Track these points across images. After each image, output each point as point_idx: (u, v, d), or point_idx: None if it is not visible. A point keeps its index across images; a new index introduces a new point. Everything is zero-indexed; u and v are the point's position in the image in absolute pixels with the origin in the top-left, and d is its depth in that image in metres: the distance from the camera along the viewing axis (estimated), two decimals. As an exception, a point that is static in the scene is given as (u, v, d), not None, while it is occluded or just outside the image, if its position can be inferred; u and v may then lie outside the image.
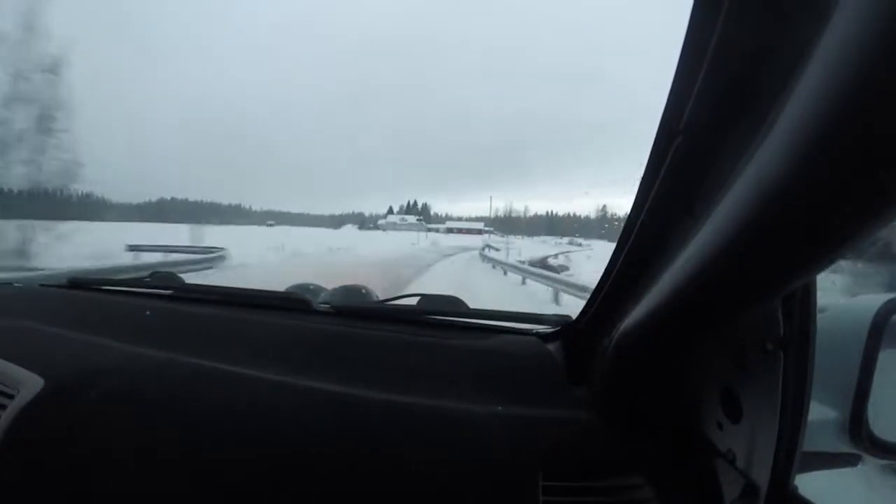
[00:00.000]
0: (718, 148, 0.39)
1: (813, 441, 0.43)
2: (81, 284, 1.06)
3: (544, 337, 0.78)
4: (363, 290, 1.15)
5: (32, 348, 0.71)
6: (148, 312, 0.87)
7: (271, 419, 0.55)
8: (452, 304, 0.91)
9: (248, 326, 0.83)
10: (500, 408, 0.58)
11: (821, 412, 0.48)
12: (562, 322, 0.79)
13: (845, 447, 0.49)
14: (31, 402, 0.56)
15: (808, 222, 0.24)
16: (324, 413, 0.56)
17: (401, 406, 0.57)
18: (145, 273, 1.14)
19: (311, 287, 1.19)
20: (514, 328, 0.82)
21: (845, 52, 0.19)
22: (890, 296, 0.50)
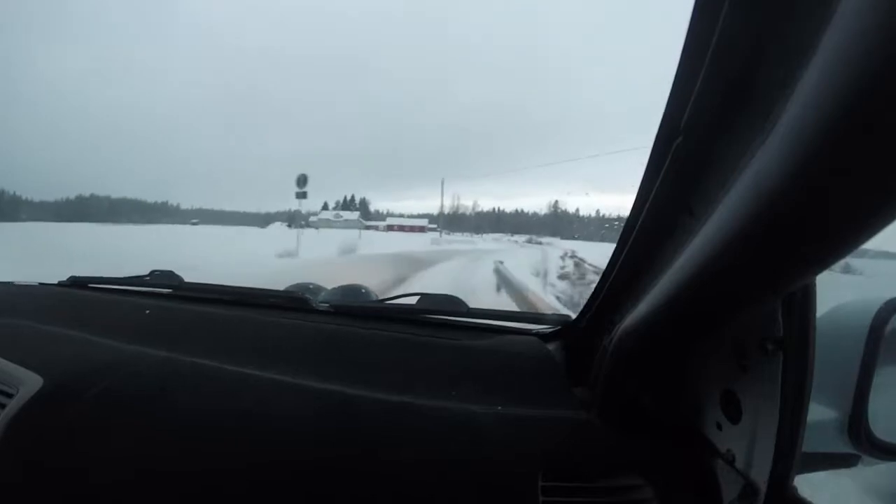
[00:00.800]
0: (718, 148, 0.39)
1: (813, 441, 0.43)
2: (81, 283, 1.06)
3: (544, 337, 0.78)
4: (363, 290, 1.15)
5: (32, 347, 0.71)
6: (147, 311, 0.87)
7: (271, 418, 0.55)
8: (452, 304, 0.91)
9: (247, 325, 0.83)
10: (500, 408, 0.58)
11: (821, 412, 0.48)
12: (562, 322, 0.79)
13: (845, 447, 0.49)
14: (30, 401, 0.56)
15: (809, 222, 0.24)
16: (323, 412, 0.56)
17: (400, 406, 0.57)
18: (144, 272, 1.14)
19: (311, 286, 1.19)
20: (514, 328, 0.82)
21: (845, 52, 0.19)
22: (890, 296, 0.50)
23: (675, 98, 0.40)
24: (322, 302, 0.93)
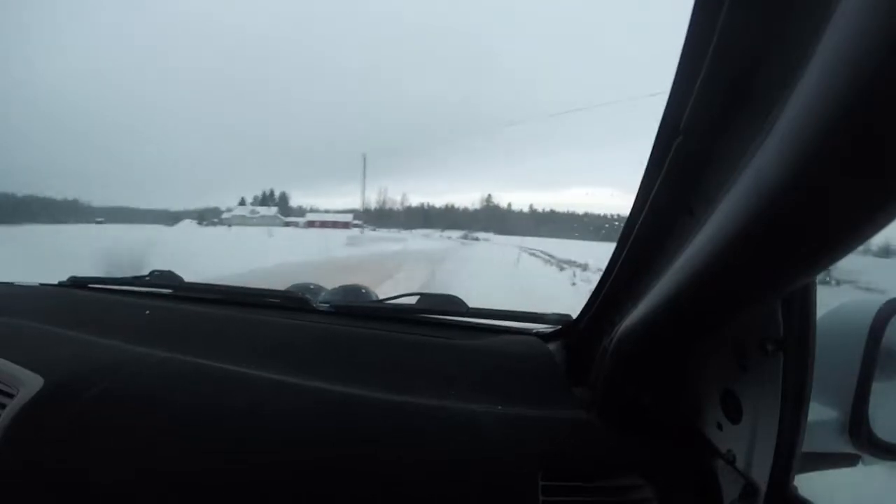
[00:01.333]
0: (718, 148, 0.39)
1: (813, 441, 0.43)
2: (81, 284, 1.06)
3: (544, 337, 0.78)
4: (363, 290, 1.15)
5: (32, 347, 0.71)
6: (148, 311, 0.87)
7: (271, 418, 0.55)
8: (452, 304, 0.91)
9: (247, 325, 0.83)
10: (500, 408, 0.58)
11: (821, 412, 0.48)
12: (562, 322, 0.79)
13: (845, 447, 0.49)
14: (30, 402, 0.56)
15: (809, 222, 0.24)
16: (323, 412, 0.56)
17: (400, 405, 0.57)
18: (145, 272, 1.15)
19: (312, 286, 1.19)
20: (514, 328, 0.82)
21: (845, 52, 0.19)
22: (890, 296, 0.50)
23: (675, 98, 0.40)
24: (322, 302, 0.93)
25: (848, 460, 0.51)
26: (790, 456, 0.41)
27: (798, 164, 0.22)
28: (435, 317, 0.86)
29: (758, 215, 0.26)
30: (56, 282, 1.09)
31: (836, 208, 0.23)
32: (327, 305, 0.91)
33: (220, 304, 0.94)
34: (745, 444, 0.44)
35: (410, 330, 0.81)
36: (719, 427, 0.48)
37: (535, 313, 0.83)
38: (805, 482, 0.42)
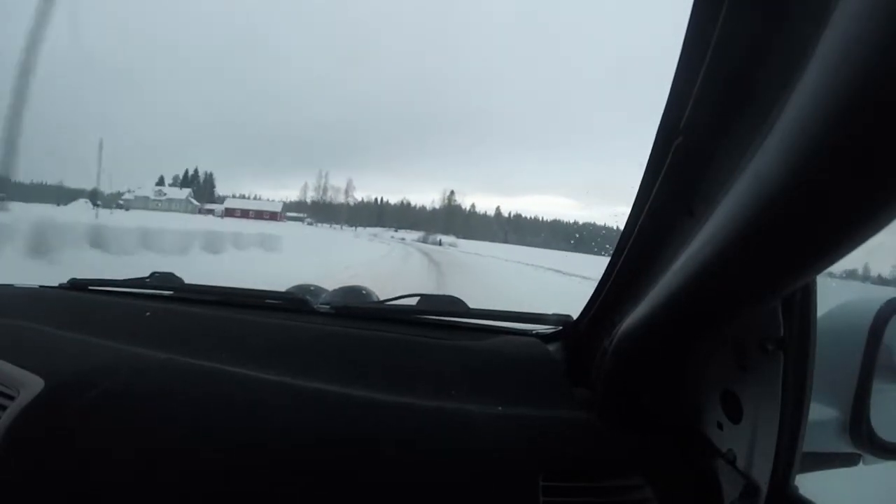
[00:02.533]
0: (718, 148, 0.39)
1: (813, 441, 0.43)
2: (81, 285, 1.06)
3: (544, 337, 0.78)
4: (363, 291, 1.15)
5: (32, 349, 0.71)
6: (148, 313, 0.87)
7: (271, 420, 0.55)
8: (453, 305, 0.91)
9: (248, 327, 0.83)
10: (500, 408, 0.58)
11: (821, 412, 0.48)
12: (562, 322, 0.79)
13: (845, 447, 0.49)
14: (31, 403, 0.56)
15: (809, 222, 0.24)
16: (323, 413, 0.56)
17: (401, 406, 0.57)
18: (145, 274, 1.14)
19: (312, 288, 1.20)
20: (514, 329, 0.82)
21: (845, 52, 0.19)
22: (890, 296, 0.50)
23: (675, 98, 0.40)
24: (322, 303, 0.93)
25: (848, 460, 0.51)
26: (790, 456, 0.41)
27: (798, 164, 0.22)
28: (435, 318, 0.86)
29: (758, 215, 0.26)
30: (56, 284, 1.09)
31: (837, 208, 0.23)
32: (327, 307, 0.91)
33: (220, 305, 0.94)
34: (746, 444, 0.44)
35: (411, 331, 0.81)
36: (719, 427, 0.48)
37: (536, 314, 0.83)
38: (805, 482, 0.42)
